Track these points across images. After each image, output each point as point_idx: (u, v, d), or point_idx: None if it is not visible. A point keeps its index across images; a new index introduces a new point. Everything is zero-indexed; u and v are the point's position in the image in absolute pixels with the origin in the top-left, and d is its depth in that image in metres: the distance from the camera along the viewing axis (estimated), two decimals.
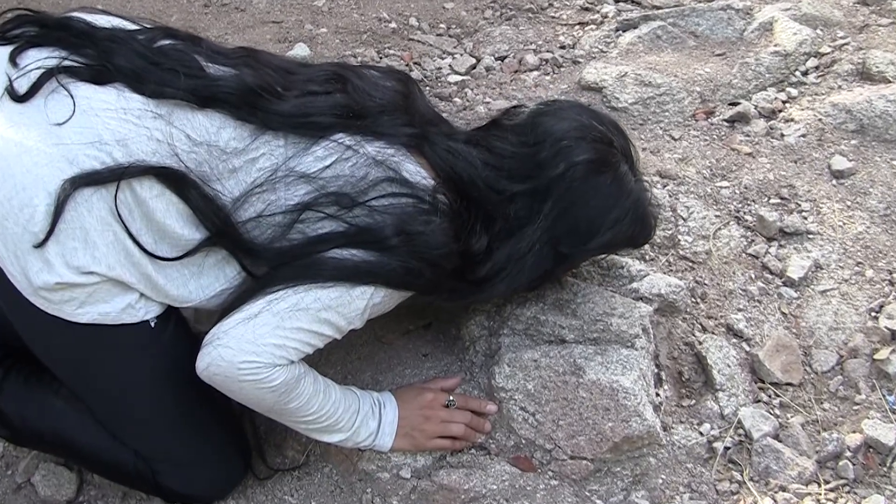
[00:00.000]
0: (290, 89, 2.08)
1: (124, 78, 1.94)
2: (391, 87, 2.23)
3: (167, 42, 2.07)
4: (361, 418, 2.17)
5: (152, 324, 2.00)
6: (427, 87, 3.48)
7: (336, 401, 2.10)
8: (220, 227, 1.95)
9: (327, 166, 1.99)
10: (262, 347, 1.88)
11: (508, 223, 2.13)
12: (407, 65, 3.63)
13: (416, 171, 2.06)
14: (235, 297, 1.99)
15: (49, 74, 1.89)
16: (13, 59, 1.95)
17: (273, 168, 1.98)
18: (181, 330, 2.13)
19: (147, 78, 1.94)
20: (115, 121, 1.88)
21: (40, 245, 1.80)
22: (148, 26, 2.12)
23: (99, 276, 1.86)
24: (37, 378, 2.21)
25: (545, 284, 2.38)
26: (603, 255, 2.49)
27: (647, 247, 2.64)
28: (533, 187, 2.12)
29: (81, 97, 1.89)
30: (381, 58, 3.69)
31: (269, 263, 2.00)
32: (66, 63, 1.93)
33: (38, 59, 1.93)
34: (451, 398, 2.30)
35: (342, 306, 1.96)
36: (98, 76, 1.93)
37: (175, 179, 1.90)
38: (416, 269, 2.01)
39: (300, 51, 3.68)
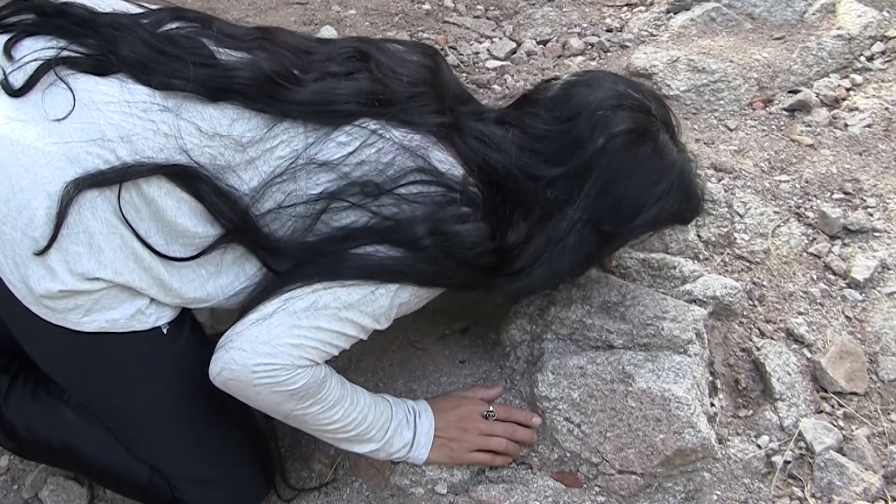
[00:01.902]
0: (308, 71, 2.06)
1: (128, 68, 1.92)
2: (417, 62, 2.22)
3: (175, 25, 2.05)
4: (394, 427, 2.17)
5: (164, 330, 2.00)
6: (464, 74, 3.47)
7: (364, 408, 2.10)
8: (237, 223, 1.94)
9: (351, 152, 1.98)
10: (277, 348, 1.87)
11: (547, 208, 2.11)
12: (442, 49, 3.62)
13: (445, 159, 2.05)
14: (252, 298, 1.98)
15: (47, 67, 1.88)
16: (7, 51, 1.93)
17: (293, 157, 1.96)
18: (196, 336, 2.13)
19: (153, 68, 1.92)
20: (119, 115, 1.86)
21: (42, 252, 1.79)
22: (153, 7, 2.10)
23: (105, 281, 1.86)
24: (45, 386, 2.22)
25: (589, 269, 2.37)
26: (650, 234, 2.47)
27: (701, 246, 2.64)
28: (572, 169, 2.10)
29: (81, 90, 1.87)
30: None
31: (291, 260, 1.99)
32: (65, 54, 1.91)
33: (35, 49, 1.92)
34: (491, 409, 2.30)
35: (364, 304, 1.95)
36: (99, 67, 1.91)
37: (186, 176, 1.89)
38: (448, 270, 2.02)
39: (326, 34, 3.67)
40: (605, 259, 2.43)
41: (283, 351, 1.87)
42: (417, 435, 2.21)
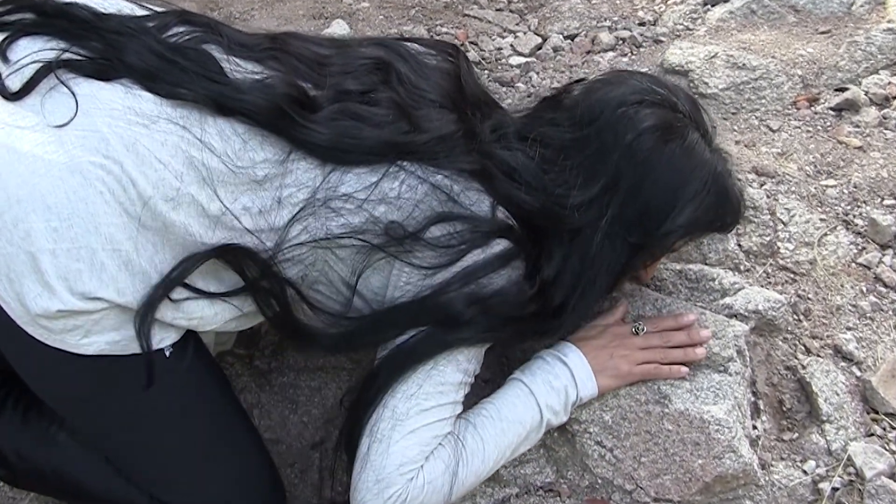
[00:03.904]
0: (323, 86, 2.05)
1: (134, 74, 1.90)
2: (439, 68, 2.22)
3: (182, 29, 2.03)
4: (542, 392, 2.19)
5: (167, 353, 1.98)
6: (485, 71, 3.48)
7: (501, 417, 2.14)
8: (256, 278, 1.97)
9: (374, 183, 1.97)
10: (388, 477, 1.96)
11: (578, 228, 2.11)
12: (462, 44, 3.62)
13: (472, 196, 2.04)
14: (341, 443, 2.11)
15: (47, 69, 1.85)
16: (2, 52, 1.90)
17: (312, 186, 1.95)
18: (201, 358, 2.12)
19: (160, 77, 1.91)
20: (124, 123, 1.83)
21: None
22: (159, 10, 2.08)
23: (106, 301, 1.83)
24: (37, 409, 2.20)
25: (622, 283, 2.37)
26: (684, 243, 2.38)
27: (741, 256, 2.64)
28: (602, 186, 2.10)
29: (84, 95, 1.85)
30: (431, 36, 3.68)
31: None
32: (66, 56, 1.89)
33: (32, 50, 1.89)
34: (639, 324, 2.32)
35: (436, 383, 2.02)
36: (103, 71, 1.89)
37: (237, 256, 1.93)
38: (495, 329, 2.06)
39: (338, 28, 3.67)
40: (642, 273, 2.42)
41: (392, 475, 1.97)
42: (573, 372, 2.22)
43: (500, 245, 2.02)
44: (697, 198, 2.13)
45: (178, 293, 1.92)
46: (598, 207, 2.09)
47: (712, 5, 3.69)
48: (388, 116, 2.03)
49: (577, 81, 2.33)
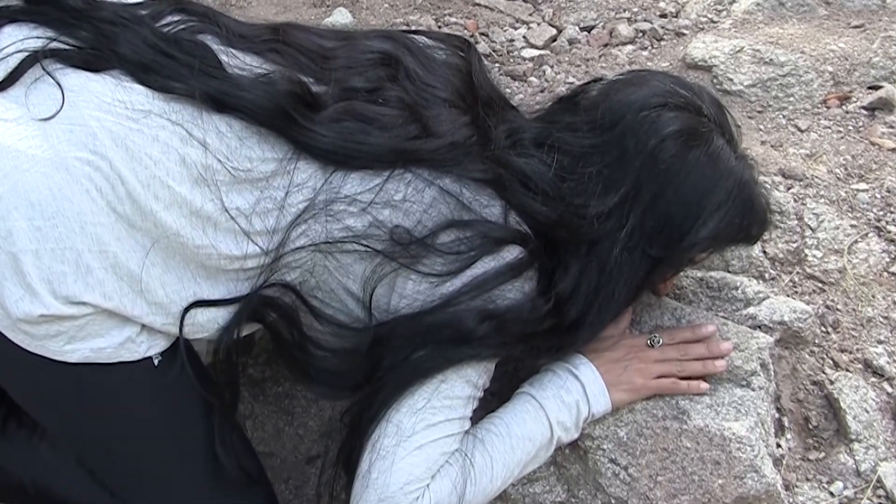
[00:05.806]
0: (326, 81, 2.05)
1: (126, 66, 1.90)
2: (449, 63, 2.22)
3: (177, 18, 2.03)
4: (553, 408, 2.18)
5: (156, 361, 1.98)
6: (496, 64, 3.47)
7: (510, 433, 2.14)
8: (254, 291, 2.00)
9: (378, 185, 1.98)
10: (392, 497, 1.95)
11: (595, 238, 2.12)
12: (471, 35, 3.62)
13: (482, 201, 2.05)
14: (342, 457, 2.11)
15: (32, 59, 1.86)
16: None
17: (312, 187, 1.96)
18: (192, 367, 2.07)
19: (154, 69, 1.90)
20: (112, 117, 1.83)
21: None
22: None
23: (92, 306, 1.82)
24: (16, 418, 2.20)
25: (639, 297, 2.37)
26: (707, 255, 2.37)
27: (766, 263, 2.64)
28: (622, 196, 2.10)
29: (71, 87, 1.85)
30: (439, 26, 3.68)
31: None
32: (54, 45, 1.89)
33: (17, 39, 1.90)
34: (655, 335, 2.32)
35: (444, 397, 2.02)
36: (92, 62, 1.89)
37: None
38: (510, 346, 2.07)
39: (340, 17, 3.66)
40: (661, 285, 2.42)
41: (396, 495, 1.95)
42: (585, 386, 2.21)
43: (512, 253, 2.02)
44: (722, 209, 2.13)
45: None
46: (618, 218, 2.09)
47: None
48: (397, 119, 2.03)
49: (594, 81, 2.32)
